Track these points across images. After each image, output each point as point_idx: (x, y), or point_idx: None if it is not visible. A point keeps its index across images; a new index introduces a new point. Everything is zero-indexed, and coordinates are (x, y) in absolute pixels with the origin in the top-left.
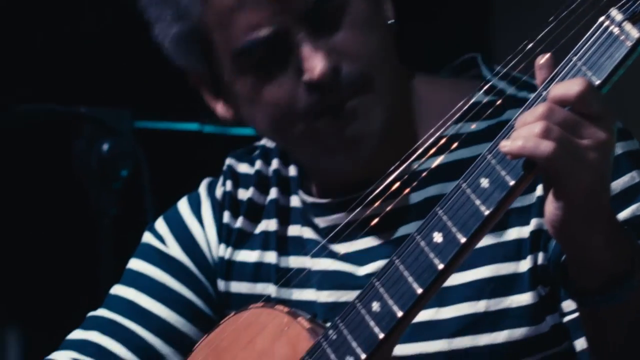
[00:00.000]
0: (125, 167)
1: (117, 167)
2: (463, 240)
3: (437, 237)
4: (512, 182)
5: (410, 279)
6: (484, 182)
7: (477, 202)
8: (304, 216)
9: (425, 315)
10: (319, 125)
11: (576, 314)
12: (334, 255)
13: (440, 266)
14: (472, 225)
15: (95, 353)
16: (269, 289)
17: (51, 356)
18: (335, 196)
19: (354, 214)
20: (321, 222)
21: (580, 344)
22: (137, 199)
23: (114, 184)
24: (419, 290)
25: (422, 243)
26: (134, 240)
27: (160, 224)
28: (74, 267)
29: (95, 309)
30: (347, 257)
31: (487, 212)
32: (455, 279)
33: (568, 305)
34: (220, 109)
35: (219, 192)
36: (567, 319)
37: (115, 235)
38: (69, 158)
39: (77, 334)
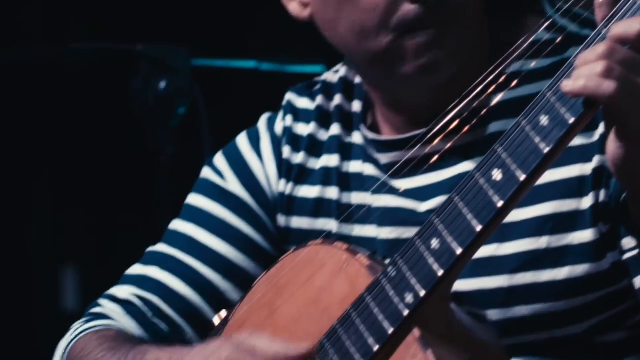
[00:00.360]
0: (183, 105)
1: (174, 104)
2: (522, 177)
3: (497, 175)
4: (572, 120)
5: (469, 216)
6: (544, 120)
7: (537, 139)
8: (366, 152)
9: (485, 251)
10: (406, 42)
11: (636, 251)
12: (395, 191)
13: (500, 203)
14: (531, 163)
15: (155, 288)
16: (330, 224)
17: (111, 291)
18: (398, 133)
19: (415, 150)
20: (383, 158)
21: None
22: (194, 136)
23: (171, 121)
24: (478, 228)
25: (482, 180)
26: (192, 177)
27: (220, 159)
28: (132, 204)
29: (153, 245)
30: (408, 194)
31: (546, 150)
32: (516, 215)
33: (628, 242)
34: (294, 7)
35: (278, 127)
36: (626, 256)
37: (173, 172)
38: (126, 96)
39: (136, 269)
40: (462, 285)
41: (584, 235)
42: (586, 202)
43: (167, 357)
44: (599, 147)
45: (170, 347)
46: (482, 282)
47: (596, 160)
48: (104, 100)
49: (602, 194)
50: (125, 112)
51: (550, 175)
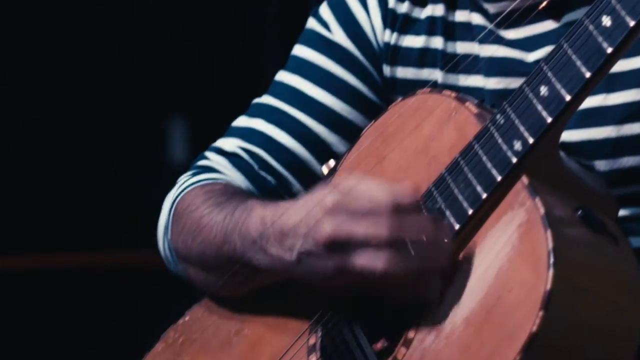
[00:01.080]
0: None
1: None
2: (632, 23)
3: (606, 21)
4: None
5: (578, 63)
6: None
7: None
8: (474, 1)
9: (593, 101)
10: None
11: None
12: (502, 41)
13: (609, 50)
14: None
15: (261, 141)
16: (435, 74)
17: (217, 144)
18: None
19: None
20: (491, 7)
21: None
22: None
23: None
24: (587, 74)
25: (591, 27)
26: (298, 27)
27: (325, 10)
28: (239, 55)
29: (259, 95)
30: (516, 43)
31: None
32: (625, 65)
33: None
34: None
35: None
36: None
37: (279, 22)
38: None
39: (242, 121)
40: (569, 136)
41: None
42: None
43: (271, 215)
44: None
45: (274, 203)
46: (589, 132)
47: None
48: None
49: None
50: None
51: None
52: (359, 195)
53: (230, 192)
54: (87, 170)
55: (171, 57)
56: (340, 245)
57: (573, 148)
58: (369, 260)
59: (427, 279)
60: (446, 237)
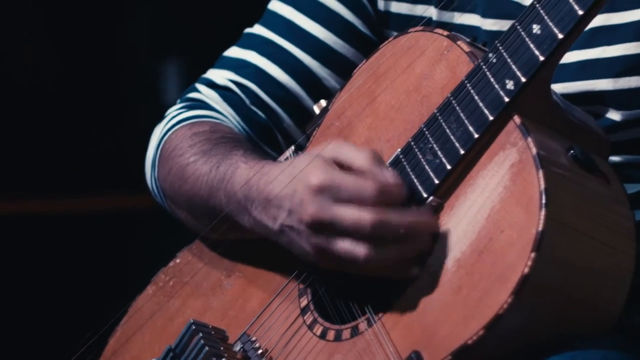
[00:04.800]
0: None
1: None
2: None
3: None
4: None
5: (571, 1)
6: None
7: None
8: None
9: (591, 53)
10: None
11: None
12: None
13: None
14: None
15: (253, 75)
16: (430, 11)
17: (208, 75)
18: None
19: None
20: None
21: None
22: None
23: None
24: (580, 12)
25: None
26: None
27: None
28: None
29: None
30: None
31: None
32: (623, 17)
33: None
34: None
35: None
36: None
37: None
38: None
39: (234, 52)
40: (568, 87)
41: None
42: None
43: (256, 179)
44: None
45: (259, 163)
46: (587, 84)
47: None
48: None
49: None
50: None
51: None
52: (344, 179)
53: (216, 137)
54: (80, 114)
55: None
56: (323, 227)
57: (570, 99)
58: (351, 248)
59: (408, 265)
60: (429, 227)
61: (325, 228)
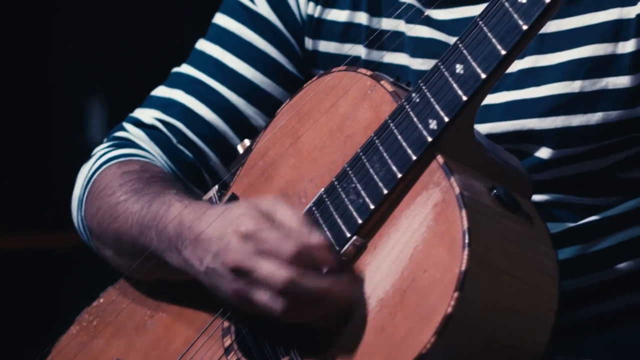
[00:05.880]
0: None
1: None
2: (548, 0)
3: None
4: None
5: (494, 41)
6: None
7: None
8: None
9: (520, 94)
10: None
11: None
12: (429, 22)
13: (525, 27)
14: None
15: (180, 113)
16: (358, 50)
17: (135, 114)
18: None
19: None
20: None
21: None
22: None
23: None
24: (503, 52)
25: (507, 4)
26: None
27: None
28: (157, 24)
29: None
30: (442, 25)
31: None
32: (550, 59)
33: None
34: None
35: None
36: None
37: None
38: None
39: (161, 91)
40: (494, 127)
41: (620, 81)
42: (626, 47)
43: (190, 218)
44: None
45: (193, 203)
46: (514, 124)
47: None
48: None
49: None
50: None
51: (589, 19)
52: (271, 233)
53: (146, 177)
54: (3, 151)
55: (90, 36)
56: (243, 274)
57: (498, 139)
58: (269, 300)
59: (328, 318)
60: (343, 294)
61: (246, 275)
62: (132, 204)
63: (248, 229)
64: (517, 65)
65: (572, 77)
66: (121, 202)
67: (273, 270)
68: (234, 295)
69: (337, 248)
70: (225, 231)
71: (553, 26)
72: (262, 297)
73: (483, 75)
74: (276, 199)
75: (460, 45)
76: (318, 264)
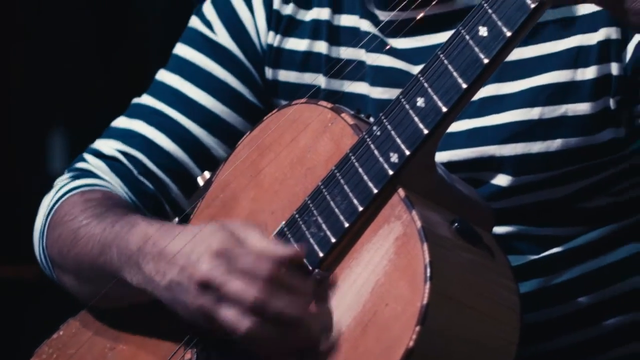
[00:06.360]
0: None
1: None
2: (508, 34)
3: (483, 31)
4: None
5: (455, 74)
6: None
7: None
8: (364, 6)
9: (481, 121)
10: None
11: None
12: (390, 51)
13: (486, 60)
14: (517, 19)
15: (140, 144)
16: (318, 79)
17: (96, 145)
18: None
19: (415, 10)
20: (382, 15)
21: None
22: None
23: None
24: (464, 85)
25: (467, 37)
26: (182, 24)
27: (208, 9)
28: (120, 55)
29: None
30: (403, 54)
31: (532, 5)
32: (512, 86)
33: None
34: None
35: None
36: None
37: (162, 19)
38: None
39: (121, 122)
40: (456, 154)
41: (580, 108)
42: (586, 74)
43: (156, 234)
44: (605, 17)
45: (161, 222)
46: (473, 151)
47: (603, 32)
48: None
49: (615, 68)
50: None
51: (550, 47)
52: (244, 252)
53: (109, 204)
54: None
55: (51, 64)
56: (211, 290)
57: (459, 166)
58: (233, 318)
59: (291, 346)
60: (314, 321)
61: (213, 291)
62: (93, 226)
63: (220, 245)
64: (479, 93)
65: (532, 104)
66: (83, 225)
67: (244, 287)
68: (197, 310)
69: None
70: (195, 247)
71: (515, 54)
72: (228, 314)
73: (444, 109)
74: (246, 223)
75: (421, 79)
76: (291, 288)
